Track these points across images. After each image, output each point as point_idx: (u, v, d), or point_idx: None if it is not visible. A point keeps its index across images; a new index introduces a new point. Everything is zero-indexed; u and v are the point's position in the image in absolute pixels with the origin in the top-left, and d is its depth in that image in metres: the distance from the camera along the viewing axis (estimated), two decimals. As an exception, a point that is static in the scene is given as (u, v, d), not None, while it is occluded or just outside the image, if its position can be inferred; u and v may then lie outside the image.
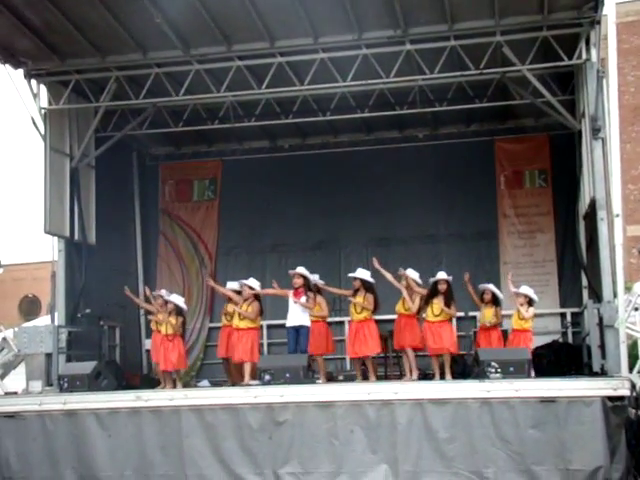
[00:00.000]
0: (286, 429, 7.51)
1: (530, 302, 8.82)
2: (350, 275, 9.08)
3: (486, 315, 9.10)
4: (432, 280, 8.80)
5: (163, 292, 9.89)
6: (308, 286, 8.72)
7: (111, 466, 7.78)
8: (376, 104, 10.77)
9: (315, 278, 9.16)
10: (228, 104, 10.93)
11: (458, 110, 10.85)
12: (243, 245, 12.48)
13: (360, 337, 8.72)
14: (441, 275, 8.80)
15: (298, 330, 8.62)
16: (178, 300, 9.34)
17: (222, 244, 12.59)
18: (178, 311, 9.24)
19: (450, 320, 8.88)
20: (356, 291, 8.88)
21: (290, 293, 8.70)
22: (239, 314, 8.89)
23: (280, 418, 7.54)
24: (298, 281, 8.69)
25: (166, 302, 9.41)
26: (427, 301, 8.74)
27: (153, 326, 9.74)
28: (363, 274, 8.90)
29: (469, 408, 7.25)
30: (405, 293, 8.81)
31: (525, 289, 8.90)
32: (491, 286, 9.27)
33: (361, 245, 12.04)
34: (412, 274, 8.91)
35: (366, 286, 8.81)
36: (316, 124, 11.60)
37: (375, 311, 8.85)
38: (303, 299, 8.63)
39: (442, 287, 8.71)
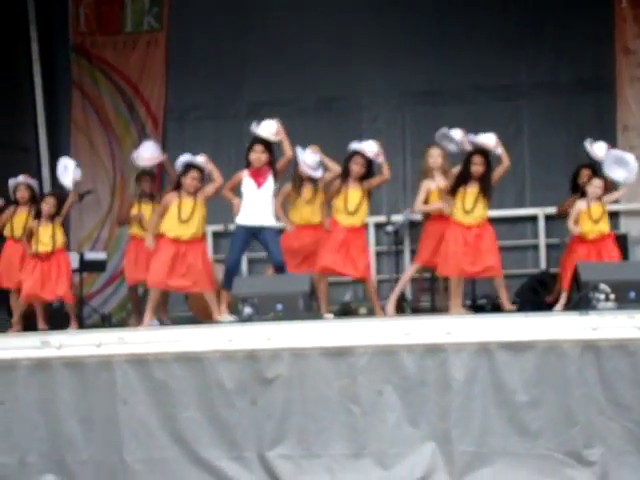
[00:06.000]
0: (278, 390, 7.57)
1: None
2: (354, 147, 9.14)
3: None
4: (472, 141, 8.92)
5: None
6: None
7: (5, 449, 7.88)
8: None
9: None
10: None
11: None
12: (207, 105, 12.64)
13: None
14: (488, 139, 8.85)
15: (257, 233, 8.83)
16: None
17: (173, 104, 12.76)
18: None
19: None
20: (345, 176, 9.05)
21: (244, 175, 8.85)
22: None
23: (269, 373, 7.60)
24: (262, 157, 8.82)
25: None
26: (454, 189, 8.81)
27: (7, 231, 9.89)
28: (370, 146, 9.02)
29: (564, 356, 7.26)
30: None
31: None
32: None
33: (393, 103, 12.21)
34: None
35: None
36: None
37: None
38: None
39: (477, 170, 8.74)
